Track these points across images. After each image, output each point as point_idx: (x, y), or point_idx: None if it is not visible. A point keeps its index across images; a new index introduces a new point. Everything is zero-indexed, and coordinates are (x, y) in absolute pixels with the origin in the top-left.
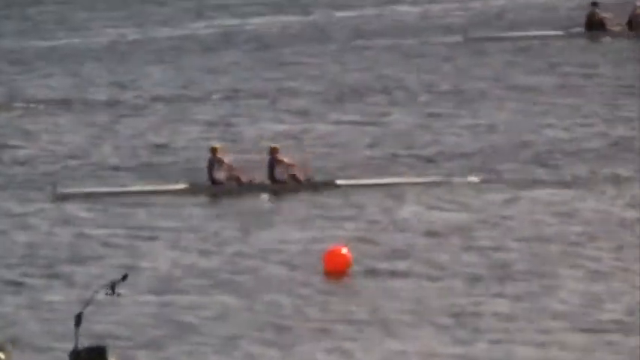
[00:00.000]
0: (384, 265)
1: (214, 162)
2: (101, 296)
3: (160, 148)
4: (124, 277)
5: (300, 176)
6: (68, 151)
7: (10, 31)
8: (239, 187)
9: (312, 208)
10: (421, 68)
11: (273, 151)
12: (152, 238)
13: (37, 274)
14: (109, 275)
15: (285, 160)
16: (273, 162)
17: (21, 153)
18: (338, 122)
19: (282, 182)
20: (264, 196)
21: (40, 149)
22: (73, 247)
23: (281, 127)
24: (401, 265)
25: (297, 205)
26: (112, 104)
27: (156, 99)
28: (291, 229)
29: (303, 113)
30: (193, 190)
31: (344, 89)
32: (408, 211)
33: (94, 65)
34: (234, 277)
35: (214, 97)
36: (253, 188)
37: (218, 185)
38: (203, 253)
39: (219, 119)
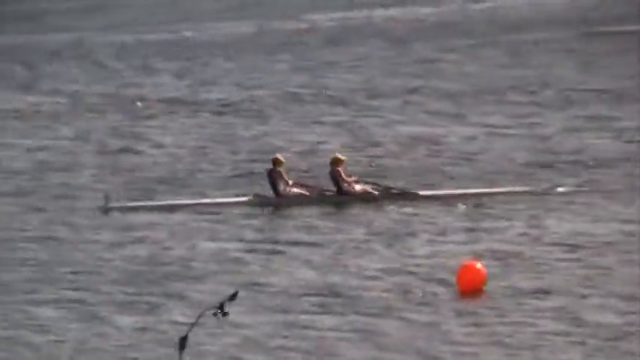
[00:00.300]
0: (524, 282)
1: (274, 174)
2: (221, 315)
3: (279, 152)
4: (234, 296)
5: (371, 189)
6: (181, 156)
7: (117, 22)
8: (305, 199)
9: (434, 219)
10: (567, 65)
11: (334, 163)
12: (271, 252)
13: (150, 292)
14: (227, 293)
15: (344, 174)
16: (335, 175)
17: (128, 159)
18: (477, 125)
19: (351, 194)
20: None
21: (150, 154)
22: (185, 261)
23: (415, 130)
24: (544, 282)
25: (418, 216)
26: (228, 104)
27: (275, 98)
28: (416, 242)
29: (439, 115)
30: (257, 202)
31: (483, 88)
32: (551, 222)
33: (207, 61)
34: (361, 294)
35: (339, 95)
36: (319, 201)
37: (283, 198)
38: (323, 267)
39: (346, 120)
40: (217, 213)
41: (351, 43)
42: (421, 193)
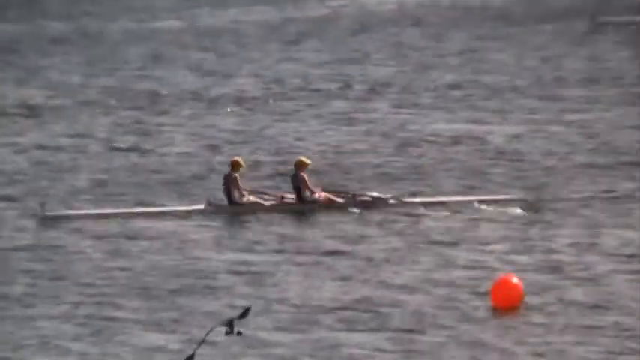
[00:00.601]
0: (577, 295)
1: (230, 180)
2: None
3: (301, 151)
4: (245, 313)
5: (336, 198)
6: (193, 155)
7: (124, 8)
8: (262, 208)
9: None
10: (620, 56)
11: (299, 167)
12: (294, 263)
13: (162, 306)
14: (246, 307)
15: (307, 181)
16: (297, 180)
17: (136, 159)
18: (521, 122)
19: (312, 202)
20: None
21: (160, 154)
22: (198, 273)
23: (454, 128)
24: (598, 296)
25: (460, 223)
26: (246, 99)
27: (298, 91)
28: (456, 251)
29: (480, 111)
30: (212, 211)
31: (539, 80)
32: (605, 230)
33: (223, 51)
34: (394, 308)
35: (369, 89)
36: (279, 210)
37: (236, 206)
38: (342, 280)
39: (377, 117)
40: (228, 219)
41: (382, 31)
42: (391, 201)
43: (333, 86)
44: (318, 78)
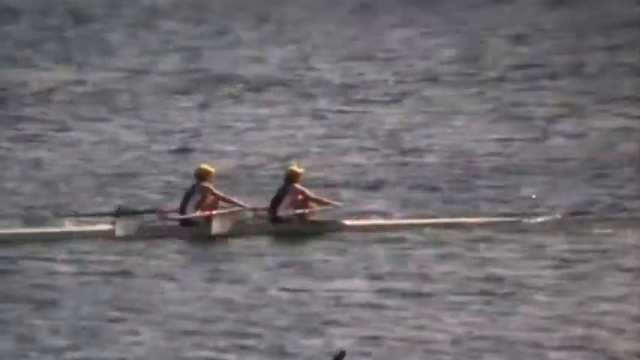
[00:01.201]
0: None
1: (195, 191)
2: None
3: (411, 152)
4: (340, 357)
5: (313, 215)
6: (274, 151)
7: None
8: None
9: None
10: None
11: (291, 177)
12: (403, 293)
13: (238, 345)
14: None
15: (307, 192)
16: (284, 191)
17: (192, 158)
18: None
19: (285, 221)
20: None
21: (232, 153)
22: (289, 306)
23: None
24: None
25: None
26: (325, 84)
27: (404, 77)
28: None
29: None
30: (119, 236)
31: None
32: None
33: (296, 25)
34: (534, 348)
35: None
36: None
37: (186, 226)
38: (477, 314)
39: (497, 107)
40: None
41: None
42: (348, 223)
43: (454, 70)
44: (438, 61)
